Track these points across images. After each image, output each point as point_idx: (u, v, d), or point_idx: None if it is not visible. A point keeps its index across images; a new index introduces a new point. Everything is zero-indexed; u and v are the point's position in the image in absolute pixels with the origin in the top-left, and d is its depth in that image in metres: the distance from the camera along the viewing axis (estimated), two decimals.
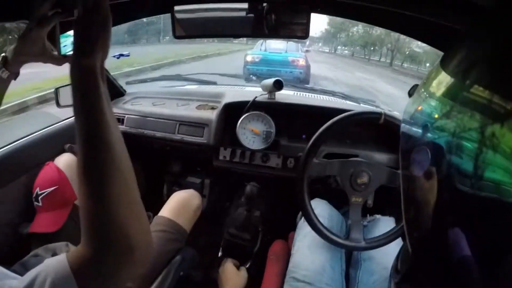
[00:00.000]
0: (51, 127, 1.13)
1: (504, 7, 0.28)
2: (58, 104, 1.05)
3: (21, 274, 0.37)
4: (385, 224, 0.98)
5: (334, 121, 0.84)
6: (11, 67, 0.61)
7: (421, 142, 0.31)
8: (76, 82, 0.37)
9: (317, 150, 0.85)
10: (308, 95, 1.37)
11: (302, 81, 5.48)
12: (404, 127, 0.36)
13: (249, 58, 6.06)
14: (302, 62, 6.01)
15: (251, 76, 5.01)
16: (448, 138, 0.26)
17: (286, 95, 1.25)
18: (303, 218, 1.04)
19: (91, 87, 0.37)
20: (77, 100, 0.37)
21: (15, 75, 0.64)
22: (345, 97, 1.40)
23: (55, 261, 0.36)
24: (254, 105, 1.13)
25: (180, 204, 1.00)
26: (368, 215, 1.02)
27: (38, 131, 1.08)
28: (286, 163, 1.11)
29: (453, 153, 0.26)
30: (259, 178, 1.24)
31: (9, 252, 0.90)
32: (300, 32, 0.73)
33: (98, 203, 0.36)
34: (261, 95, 1.17)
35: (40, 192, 0.90)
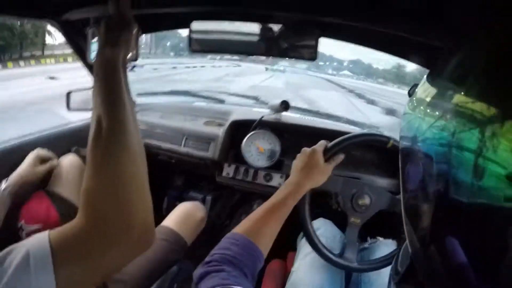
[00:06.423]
0: (59, 128, 1.14)
1: (483, 29, 0.30)
2: (68, 107, 1.07)
3: None
4: (385, 247, 0.96)
5: (345, 137, 0.83)
6: None
7: (415, 155, 0.32)
8: (99, 68, 0.41)
9: None
10: (313, 119, 1.40)
11: None
12: (401, 143, 0.37)
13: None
14: None
15: None
16: (440, 150, 0.27)
17: (292, 117, 1.27)
18: (304, 237, 1.03)
19: (112, 73, 0.41)
20: (97, 83, 0.40)
21: None
22: (349, 122, 1.43)
23: (36, 237, 0.34)
24: (261, 124, 1.16)
25: (184, 215, 1.00)
26: (369, 238, 1.00)
27: (47, 130, 1.10)
28: None
29: (445, 164, 0.26)
30: (261, 197, 1.23)
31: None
32: (308, 55, 0.76)
33: (104, 175, 0.35)
34: (268, 114, 1.20)
35: (24, 225, 0.85)
